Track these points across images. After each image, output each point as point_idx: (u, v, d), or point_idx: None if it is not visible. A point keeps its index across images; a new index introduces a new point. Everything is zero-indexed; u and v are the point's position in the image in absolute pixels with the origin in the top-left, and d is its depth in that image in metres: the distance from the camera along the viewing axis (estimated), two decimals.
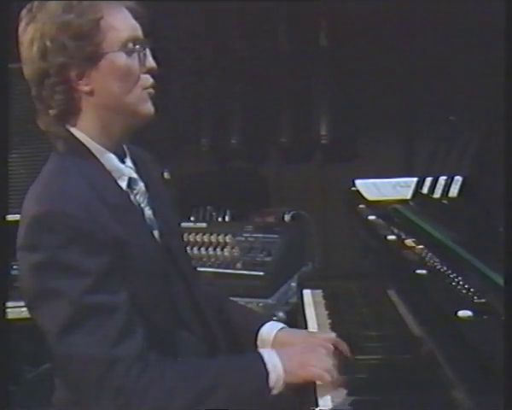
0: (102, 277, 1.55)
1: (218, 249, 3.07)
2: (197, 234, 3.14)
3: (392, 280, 1.96)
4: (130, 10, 1.68)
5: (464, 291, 1.48)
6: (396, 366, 1.73)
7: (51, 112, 1.65)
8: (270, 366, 1.61)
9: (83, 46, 1.60)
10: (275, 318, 2.61)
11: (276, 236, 3.09)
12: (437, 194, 2.28)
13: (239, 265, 2.98)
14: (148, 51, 1.70)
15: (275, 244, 3.05)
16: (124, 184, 1.71)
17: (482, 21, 3.02)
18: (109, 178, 1.68)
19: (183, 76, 3.73)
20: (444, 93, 3.30)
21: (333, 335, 1.84)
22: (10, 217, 1.73)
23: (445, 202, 2.20)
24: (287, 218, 3.35)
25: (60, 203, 1.56)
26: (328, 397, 1.61)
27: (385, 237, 2.08)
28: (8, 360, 1.61)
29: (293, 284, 2.90)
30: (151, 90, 1.70)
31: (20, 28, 1.65)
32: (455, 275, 1.59)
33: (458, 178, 2.17)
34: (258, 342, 1.86)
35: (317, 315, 2.18)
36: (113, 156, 1.70)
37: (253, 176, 3.81)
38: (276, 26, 3.63)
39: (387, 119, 3.54)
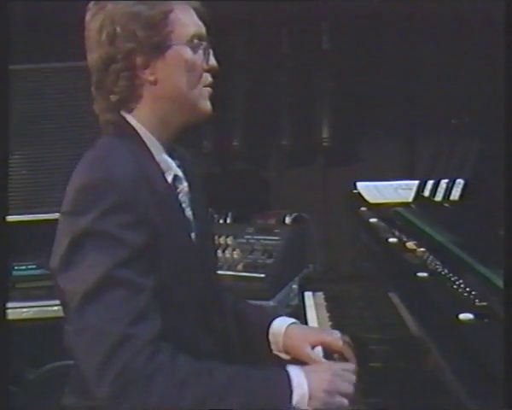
0: (137, 253, 1.53)
1: (220, 251, 3.06)
2: None
3: (393, 283, 1.95)
4: (196, 10, 1.73)
5: (465, 294, 1.48)
6: (397, 369, 1.73)
7: (112, 97, 1.68)
8: (295, 384, 1.53)
9: (152, 35, 1.64)
10: None
11: (277, 238, 3.08)
12: (438, 197, 2.28)
13: (240, 267, 2.97)
14: (211, 50, 1.73)
15: (276, 246, 3.04)
16: (170, 178, 1.72)
17: (482, 23, 3.02)
18: (157, 168, 1.69)
19: None
20: (445, 96, 3.30)
21: (341, 335, 1.83)
22: (10, 218, 1.73)
23: (446, 204, 2.20)
24: (288, 220, 3.34)
25: (109, 172, 1.56)
26: None
27: (386, 239, 2.08)
28: (9, 361, 1.61)
29: (295, 287, 2.89)
30: (210, 89, 1.74)
31: (88, 17, 1.69)
32: (456, 278, 1.59)
33: (460, 181, 2.17)
34: (270, 337, 1.86)
35: (318, 317, 2.18)
36: (162, 149, 1.71)
37: (255, 178, 3.81)
38: (277, 29, 3.63)
39: (389, 121, 3.54)
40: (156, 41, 1.65)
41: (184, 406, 1.45)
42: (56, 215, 1.63)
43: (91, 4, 1.69)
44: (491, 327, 1.31)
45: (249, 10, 3.51)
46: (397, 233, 2.13)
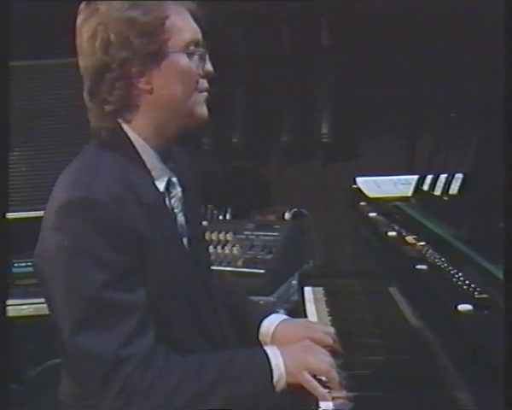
0: (123, 273, 1.54)
1: (219, 247, 3.07)
2: None
3: (393, 276, 1.96)
4: (192, 13, 1.69)
5: (465, 287, 1.48)
6: (397, 363, 1.73)
7: (107, 107, 1.64)
8: (273, 364, 1.60)
9: (147, 43, 1.60)
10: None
11: (276, 234, 3.09)
12: (438, 191, 2.28)
13: (240, 263, 2.98)
14: (207, 55, 1.71)
15: (276, 242, 3.05)
16: (162, 186, 1.70)
17: (482, 21, 3.02)
18: (148, 177, 1.67)
19: None
20: (445, 91, 3.30)
21: (330, 329, 1.84)
22: (10, 215, 1.73)
23: (445, 198, 2.20)
24: (287, 216, 3.35)
25: (93, 191, 1.54)
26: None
27: (386, 233, 2.09)
28: (9, 359, 1.61)
29: (294, 282, 2.90)
30: (206, 94, 1.72)
31: (79, 21, 1.64)
32: (455, 271, 1.59)
33: (459, 176, 2.17)
34: (260, 337, 1.87)
35: (317, 312, 2.18)
36: (156, 155, 1.69)
37: (254, 174, 3.82)
38: (277, 25, 3.62)
39: (388, 117, 3.54)
40: (152, 49, 1.61)
41: (181, 404, 1.54)
42: None
43: (82, 6, 1.64)
44: (490, 318, 1.31)
45: (249, 6, 3.52)
46: (396, 227, 2.14)
